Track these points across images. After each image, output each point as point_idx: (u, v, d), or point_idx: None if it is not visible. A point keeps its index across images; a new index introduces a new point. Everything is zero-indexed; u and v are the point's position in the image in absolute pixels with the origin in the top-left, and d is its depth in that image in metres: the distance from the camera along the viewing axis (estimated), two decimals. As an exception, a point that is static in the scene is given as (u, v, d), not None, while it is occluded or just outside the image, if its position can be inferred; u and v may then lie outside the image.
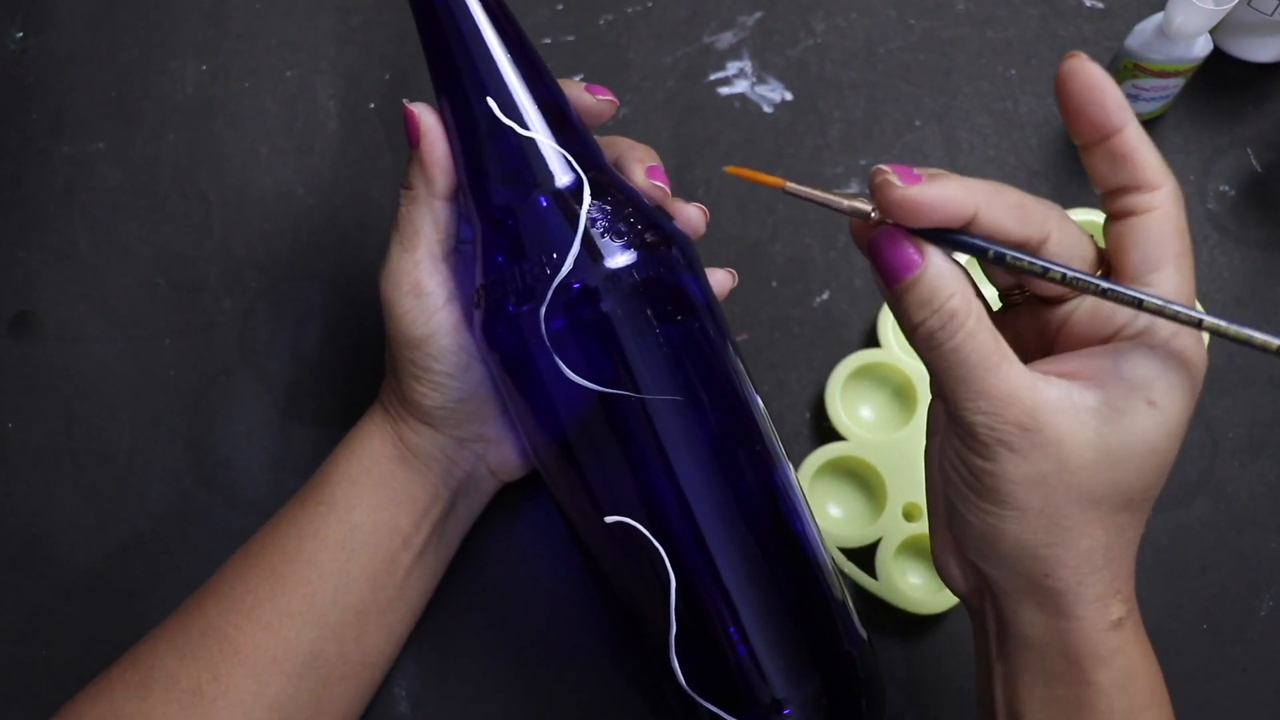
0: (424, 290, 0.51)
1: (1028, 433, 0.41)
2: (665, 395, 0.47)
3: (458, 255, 0.52)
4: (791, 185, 0.41)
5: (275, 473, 0.62)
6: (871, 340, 0.63)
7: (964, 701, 0.59)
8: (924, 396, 0.60)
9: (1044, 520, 0.42)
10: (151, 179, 0.65)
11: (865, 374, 0.62)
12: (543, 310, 0.47)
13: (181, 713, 0.50)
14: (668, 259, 0.49)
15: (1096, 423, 0.41)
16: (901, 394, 0.62)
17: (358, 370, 0.62)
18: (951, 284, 0.41)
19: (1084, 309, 0.43)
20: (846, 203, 0.41)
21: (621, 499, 0.48)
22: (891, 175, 0.40)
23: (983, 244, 0.41)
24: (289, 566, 0.53)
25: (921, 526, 0.59)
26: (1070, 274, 0.41)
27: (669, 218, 0.51)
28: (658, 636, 0.48)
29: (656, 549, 0.47)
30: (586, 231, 0.48)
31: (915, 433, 0.60)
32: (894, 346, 0.61)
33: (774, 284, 0.64)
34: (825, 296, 0.64)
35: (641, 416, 0.47)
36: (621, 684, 0.59)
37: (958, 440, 0.42)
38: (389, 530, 0.54)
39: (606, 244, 0.48)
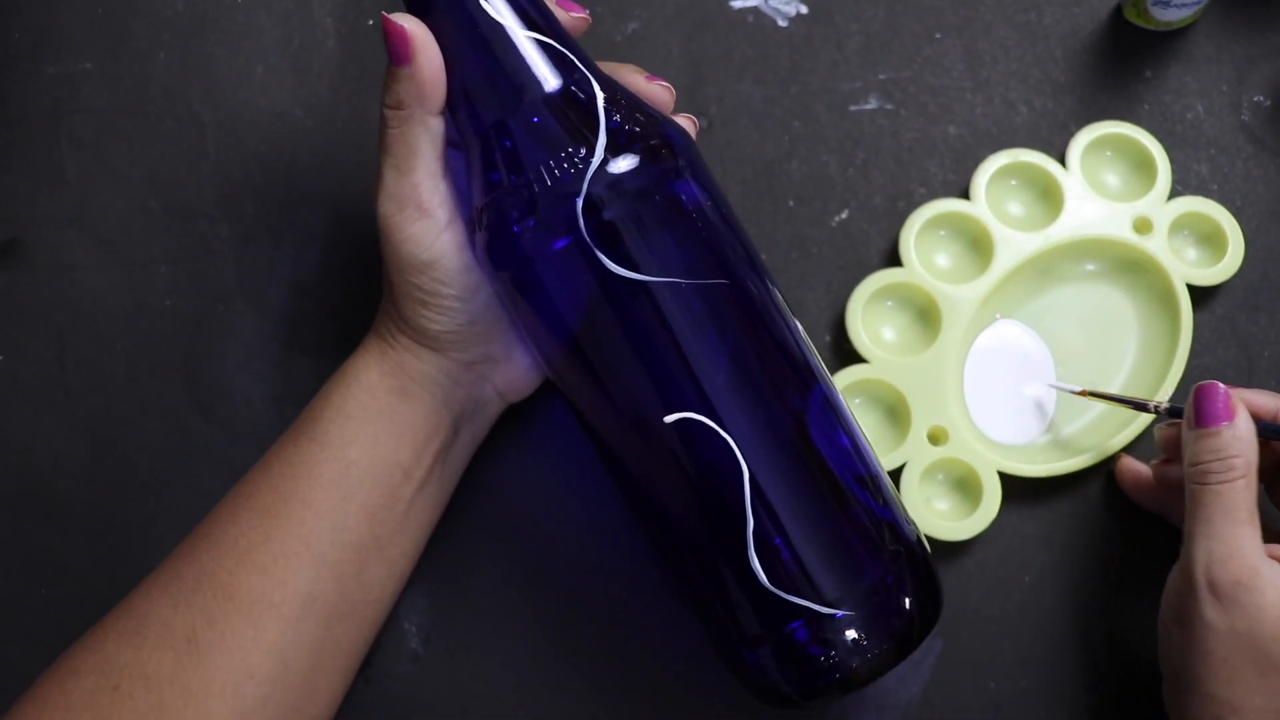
0: (428, 211, 0.49)
1: (1240, 587, 0.47)
2: (710, 280, 0.47)
3: (447, 175, 0.50)
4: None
5: (277, 404, 0.60)
6: (893, 260, 0.61)
7: (992, 630, 0.58)
8: (948, 318, 0.58)
9: (1225, 669, 0.48)
10: (142, 100, 0.63)
11: (887, 294, 0.60)
12: (580, 202, 0.46)
13: (176, 661, 0.49)
14: (686, 146, 0.49)
15: None
16: (925, 315, 0.60)
17: (361, 297, 0.60)
18: (1245, 446, 0.50)
19: None
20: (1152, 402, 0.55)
21: (672, 396, 0.47)
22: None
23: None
24: (283, 507, 0.51)
25: (947, 450, 0.57)
26: None
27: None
28: (729, 538, 0.47)
29: (724, 440, 0.46)
30: (608, 123, 0.47)
31: (940, 354, 0.58)
32: (917, 266, 0.59)
33: (791, 203, 0.62)
34: (844, 215, 0.62)
35: (685, 306, 0.47)
36: (643, 607, 0.58)
37: (1180, 572, 0.50)
38: (388, 465, 0.52)
39: (626, 132, 0.47)
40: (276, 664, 0.50)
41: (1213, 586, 0.48)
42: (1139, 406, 0.56)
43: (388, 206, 0.49)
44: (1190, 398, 0.51)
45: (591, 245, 0.46)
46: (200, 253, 0.62)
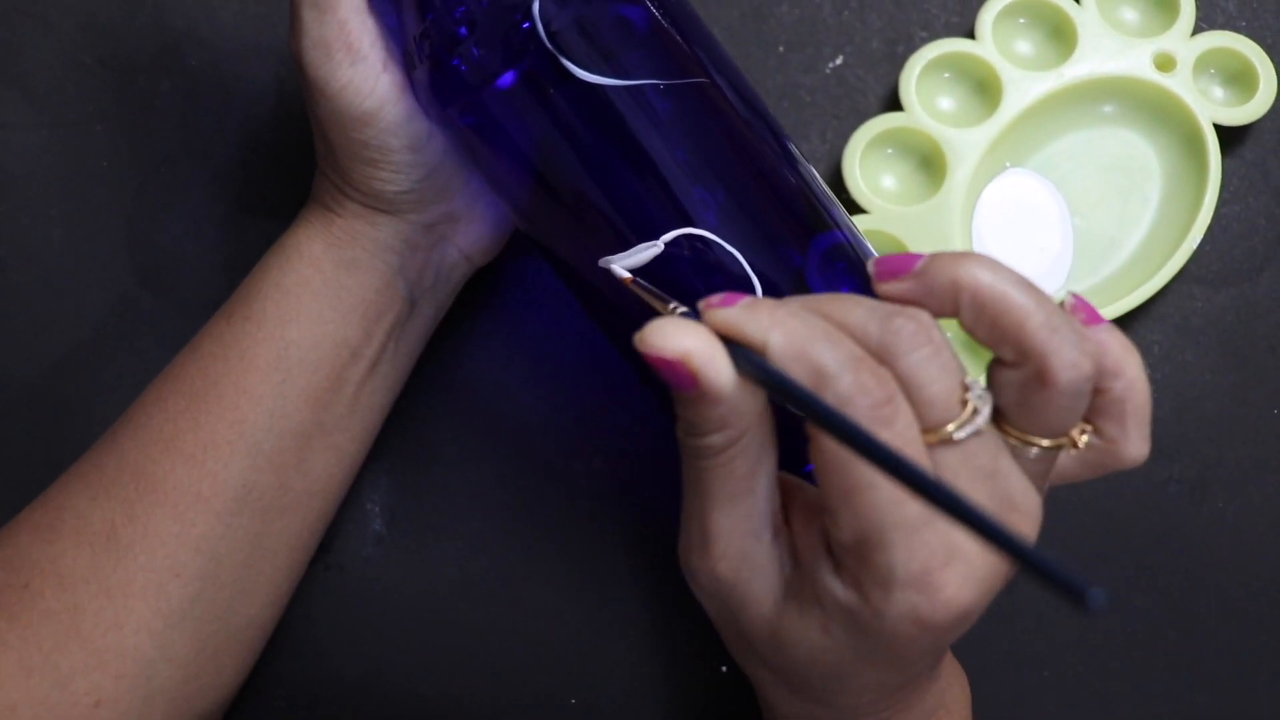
0: (360, 53, 0.44)
1: (716, 581, 0.39)
2: (691, 79, 0.42)
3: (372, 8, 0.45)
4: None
5: (228, 271, 0.56)
6: (893, 108, 0.56)
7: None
8: (953, 163, 0.54)
9: (732, 644, 0.43)
10: (72, -57, 0.58)
11: (887, 140, 0.55)
12: (535, 4, 0.41)
13: (94, 557, 0.45)
14: None
15: (778, 603, 0.39)
16: (929, 163, 0.55)
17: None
18: (726, 415, 0.36)
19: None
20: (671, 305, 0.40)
21: (666, 213, 0.42)
22: (710, 299, 0.37)
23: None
24: (213, 391, 0.47)
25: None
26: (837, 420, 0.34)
27: None
28: None
29: (732, 254, 0.42)
30: None
31: (944, 202, 0.54)
32: (918, 110, 0.55)
33: (781, 49, 0.58)
34: (839, 61, 0.58)
35: (669, 109, 0.42)
36: (621, 480, 0.54)
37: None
38: (334, 344, 0.48)
39: None
40: (206, 561, 0.46)
41: (693, 575, 0.40)
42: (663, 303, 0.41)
43: (313, 54, 0.44)
44: (638, 340, 0.37)
45: (556, 53, 0.41)
46: (140, 109, 0.57)
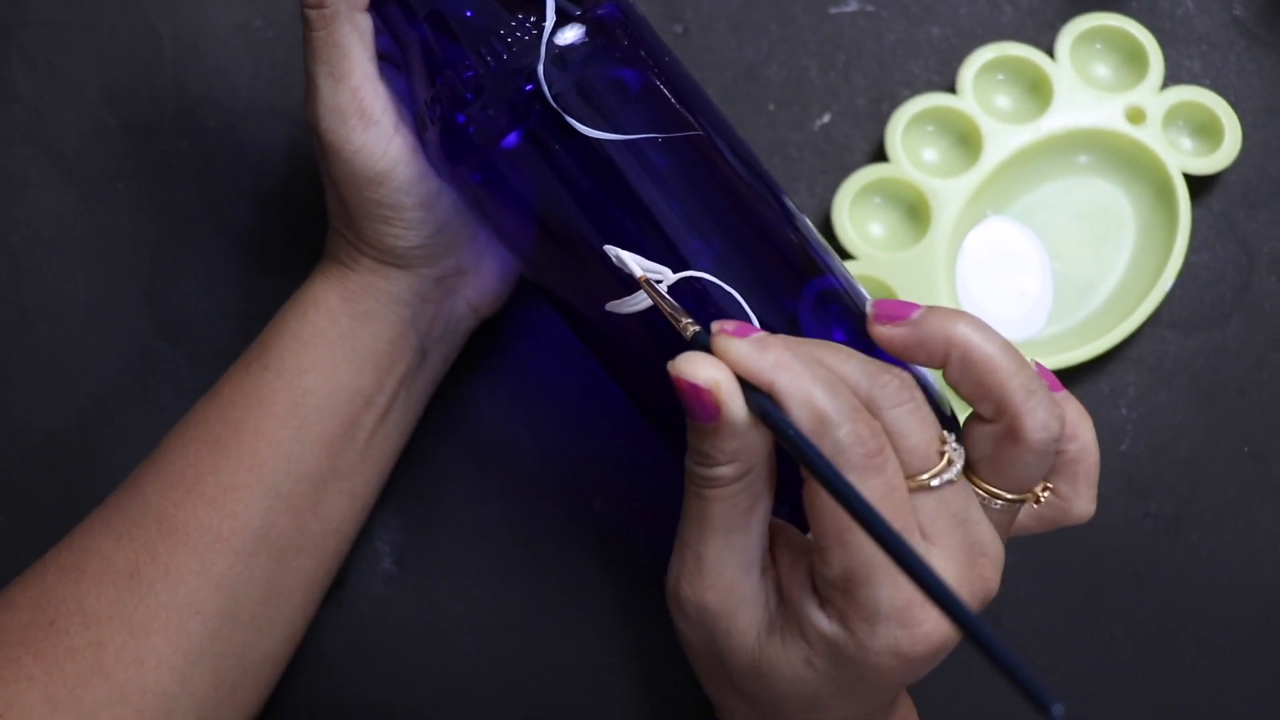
0: (373, 117, 0.46)
1: (705, 611, 0.41)
2: (686, 132, 0.44)
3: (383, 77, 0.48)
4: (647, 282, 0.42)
5: (244, 325, 0.58)
6: (878, 160, 0.58)
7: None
8: (937, 212, 0.56)
9: (704, 671, 0.44)
10: (95, 13, 0.60)
11: (875, 190, 0.57)
12: (540, 68, 0.43)
13: (118, 596, 0.47)
14: (631, 10, 0.46)
15: (761, 636, 0.41)
16: (914, 211, 0.58)
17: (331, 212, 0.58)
18: (739, 446, 0.39)
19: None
20: (682, 319, 0.41)
21: (668, 258, 0.44)
22: (724, 325, 0.40)
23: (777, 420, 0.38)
24: (233, 436, 0.49)
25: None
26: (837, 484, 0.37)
27: None
28: None
29: (731, 296, 0.43)
30: None
31: (929, 249, 0.56)
32: (904, 161, 0.57)
33: (771, 108, 0.60)
34: (826, 119, 0.60)
35: (666, 161, 0.44)
36: (625, 521, 0.56)
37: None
38: (349, 392, 0.50)
39: (568, 1, 0.44)
40: (225, 599, 0.48)
41: (680, 603, 0.42)
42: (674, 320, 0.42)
43: (329, 120, 0.46)
44: (672, 366, 0.39)
45: (560, 112, 0.43)
46: (160, 170, 0.59)
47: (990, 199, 0.58)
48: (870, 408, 0.39)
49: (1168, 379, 0.57)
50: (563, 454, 0.56)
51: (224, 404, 0.50)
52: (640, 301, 0.44)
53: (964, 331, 0.39)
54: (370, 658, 0.56)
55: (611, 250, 0.43)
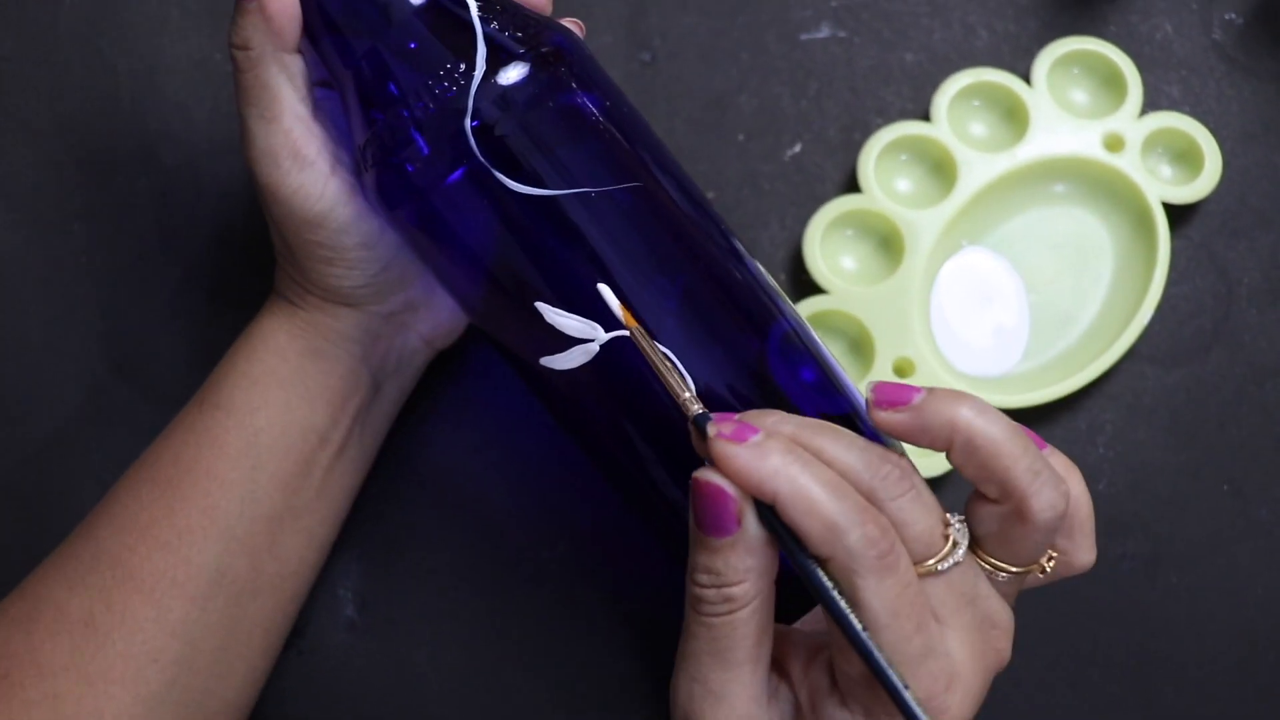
0: (307, 160, 0.45)
1: None
2: (623, 184, 0.43)
3: (319, 117, 0.47)
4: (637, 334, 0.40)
5: (200, 362, 0.56)
6: (851, 191, 0.57)
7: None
8: (911, 243, 0.55)
9: None
10: (49, 48, 0.59)
11: (846, 222, 0.56)
12: (468, 120, 0.42)
13: (73, 646, 0.46)
14: (574, 49, 0.45)
15: None
16: (887, 244, 0.56)
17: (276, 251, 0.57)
18: (751, 567, 0.38)
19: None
20: (684, 394, 0.39)
21: (602, 314, 0.42)
22: (721, 426, 0.38)
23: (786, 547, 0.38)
24: (186, 478, 0.48)
25: (913, 383, 0.53)
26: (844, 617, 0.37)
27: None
28: (680, 462, 0.42)
29: (665, 352, 0.42)
30: (486, 31, 0.43)
31: (903, 282, 0.55)
32: (876, 192, 0.56)
33: (741, 138, 0.59)
34: (797, 149, 0.59)
35: (602, 215, 0.43)
36: (591, 565, 0.55)
37: (671, 688, 0.41)
38: (302, 430, 0.49)
39: (508, 40, 0.43)
40: (183, 646, 0.47)
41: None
42: (674, 392, 0.40)
43: (262, 163, 0.46)
44: (692, 487, 0.38)
45: (488, 166, 0.42)
46: (117, 207, 0.58)
47: (966, 229, 0.57)
48: (872, 500, 0.38)
49: (1146, 416, 0.56)
50: (526, 497, 0.55)
51: (176, 445, 0.49)
52: (575, 359, 0.42)
53: (967, 417, 0.39)
54: (334, 706, 0.55)
55: (605, 291, 0.42)
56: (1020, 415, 0.55)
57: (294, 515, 0.49)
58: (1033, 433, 0.41)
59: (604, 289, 0.41)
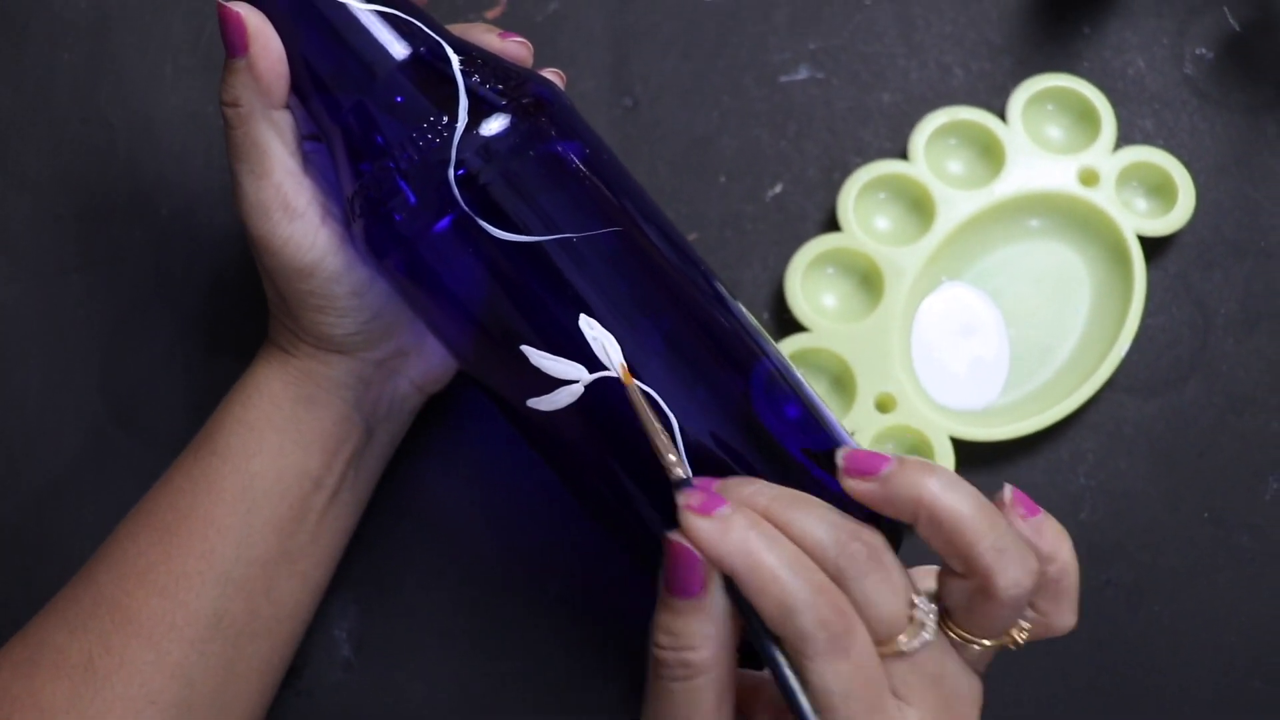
0: (297, 212, 0.47)
1: None
2: (605, 229, 0.44)
3: (309, 170, 0.48)
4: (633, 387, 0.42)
5: (197, 409, 0.57)
6: (831, 229, 0.58)
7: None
8: (891, 280, 0.56)
9: None
10: (46, 103, 0.61)
11: (827, 260, 0.57)
12: (450, 171, 0.43)
13: (73, 689, 0.46)
14: (554, 98, 0.46)
15: None
16: (868, 281, 0.57)
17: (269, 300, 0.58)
18: (710, 634, 0.39)
19: None
20: (669, 455, 0.41)
21: (588, 357, 0.43)
22: (690, 497, 0.39)
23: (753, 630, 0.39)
24: (183, 524, 0.49)
25: (896, 418, 0.55)
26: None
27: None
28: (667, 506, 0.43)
29: (649, 394, 0.43)
30: (467, 84, 0.44)
31: (884, 319, 0.56)
32: (856, 230, 0.57)
33: (722, 179, 0.60)
34: (778, 190, 0.60)
35: (584, 261, 0.44)
36: (583, 603, 0.55)
37: None
38: (297, 475, 0.50)
39: (489, 92, 0.44)
40: (181, 688, 0.47)
41: None
42: (659, 453, 0.42)
43: (254, 216, 0.47)
44: (664, 546, 0.39)
45: (472, 215, 0.43)
46: (114, 257, 0.60)
47: (945, 265, 0.57)
48: (837, 578, 0.39)
49: (1127, 445, 0.57)
50: (518, 536, 0.56)
51: (174, 491, 0.50)
52: (561, 400, 0.43)
53: (933, 492, 0.39)
54: (330, 746, 0.55)
55: (610, 344, 0.43)
56: (1002, 447, 0.56)
57: (289, 559, 0.50)
58: (1024, 496, 0.41)
59: (609, 339, 0.43)
